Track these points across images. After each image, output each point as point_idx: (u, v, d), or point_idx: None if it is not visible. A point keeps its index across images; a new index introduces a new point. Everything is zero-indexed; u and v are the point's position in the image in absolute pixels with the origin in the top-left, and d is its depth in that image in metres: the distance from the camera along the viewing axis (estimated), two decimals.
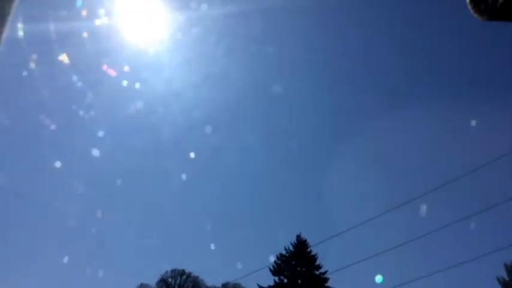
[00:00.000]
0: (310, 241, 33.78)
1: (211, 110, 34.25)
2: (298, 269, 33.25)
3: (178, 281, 42.51)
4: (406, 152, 42.57)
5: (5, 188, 39.71)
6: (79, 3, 12.72)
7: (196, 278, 42.71)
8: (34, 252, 40.74)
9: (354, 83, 39.57)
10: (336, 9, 27.18)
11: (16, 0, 1.44)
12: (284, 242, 34.32)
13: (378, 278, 31.35)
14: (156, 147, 43.05)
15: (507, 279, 30.65)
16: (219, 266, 46.46)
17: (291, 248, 33.94)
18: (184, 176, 44.85)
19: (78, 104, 32.14)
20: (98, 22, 16.09)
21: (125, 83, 24.28)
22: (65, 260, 39.20)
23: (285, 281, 33.14)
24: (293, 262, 33.48)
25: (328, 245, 31.49)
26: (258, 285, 33.67)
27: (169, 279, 42.54)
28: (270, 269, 33.30)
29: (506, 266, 30.98)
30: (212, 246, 40.23)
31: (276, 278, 33.32)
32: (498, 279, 31.01)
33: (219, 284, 42.91)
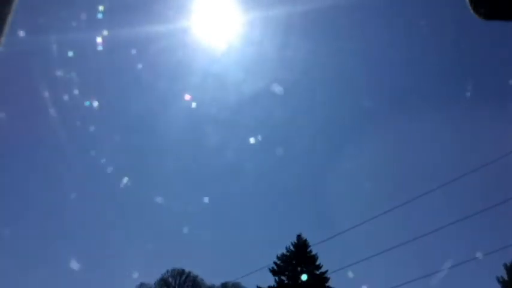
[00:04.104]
0: (311, 241, 33.83)
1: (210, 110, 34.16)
2: (299, 269, 33.25)
3: (178, 281, 42.48)
4: (406, 152, 42.58)
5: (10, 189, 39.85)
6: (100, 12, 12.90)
7: (196, 277, 42.70)
8: (32, 251, 40.73)
9: (356, 82, 39.52)
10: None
11: (16, 0, 1.44)
12: (284, 242, 34.38)
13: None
14: (166, 147, 43.24)
15: (506, 279, 30.71)
16: (219, 266, 46.39)
17: (292, 247, 33.95)
18: (183, 175, 45.00)
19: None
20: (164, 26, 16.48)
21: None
22: (65, 259, 39.28)
23: (285, 281, 33.14)
24: (293, 262, 33.48)
25: (328, 245, 31.50)
26: (257, 286, 33.68)
27: (169, 279, 42.52)
28: (270, 269, 33.30)
29: (505, 266, 31.05)
30: (212, 246, 40.34)
31: (276, 278, 33.32)
32: (498, 279, 31.07)
33: (218, 284, 42.94)
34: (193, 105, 28.89)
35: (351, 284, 34.49)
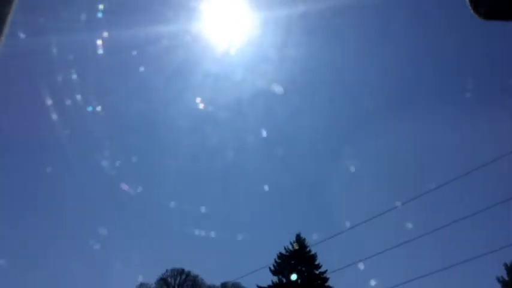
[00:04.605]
0: (310, 240, 33.84)
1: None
2: (298, 268, 33.26)
3: (177, 281, 42.51)
4: (407, 152, 42.57)
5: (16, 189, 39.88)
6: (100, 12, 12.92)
7: (196, 277, 42.71)
8: (33, 251, 40.75)
9: (358, 82, 39.52)
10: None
11: (16, 0, 1.44)
12: (284, 241, 34.40)
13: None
14: (166, 147, 43.30)
15: (507, 278, 30.71)
16: (219, 266, 46.40)
17: (291, 247, 33.98)
18: (184, 175, 44.96)
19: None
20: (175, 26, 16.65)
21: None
22: (65, 259, 39.31)
23: (284, 280, 33.16)
24: (292, 262, 33.50)
25: (328, 244, 31.49)
26: (257, 285, 33.70)
27: (169, 279, 42.55)
28: (269, 268, 33.32)
29: (506, 265, 31.04)
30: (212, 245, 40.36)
31: (276, 278, 33.34)
32: (498, 279, 31.07)
33: (218, 283, 42.92)
34: (196, 105, 28.98)
35: (351, 283, 34.46)
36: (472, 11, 1.54)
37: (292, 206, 48.21)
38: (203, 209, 44.79)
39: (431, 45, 36.19)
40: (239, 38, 21.60)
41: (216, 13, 17.42)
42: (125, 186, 32.80)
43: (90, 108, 18.36)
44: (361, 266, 27.06)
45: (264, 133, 35.92)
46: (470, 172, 23.64)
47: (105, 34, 13.55)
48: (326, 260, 33.43)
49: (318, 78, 37.94)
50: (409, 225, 32.01)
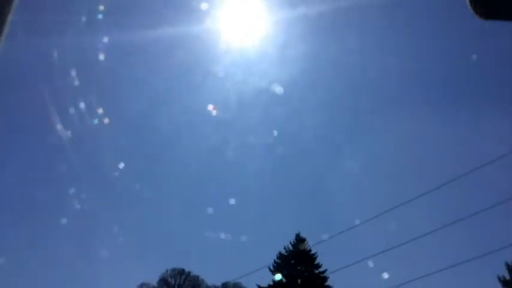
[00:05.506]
0: (312, 240, 33.82)
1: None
2: (298, 268, 33.25)
3: (177, 281, 42.57)
4: (407, 152, 42.54)
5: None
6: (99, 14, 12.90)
7: (196, 277, 42.74)
8: (34, 251, 40.79)
9: (360, 82, 39.43)
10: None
11: (16, 0, 1.44)
12: (286, 241, 34.41)
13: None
14: (167, 148, 43.34)
15: (508, 278, 30.63)
16: (220, 266, 46.40)
17: (290, 247, 33.96)
18: (184, 175, 44.99)
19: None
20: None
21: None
22: (67, 259, 39.34)
23: (284, 280, 33.14)
24: (292, 261, 33.48)
25: (328, 244, 31.52)
26: (257, 285, 33.67)
27: (170, 279, 42.61)
28: (269, 268, 33.30)
29: (507, 264, 30.96)
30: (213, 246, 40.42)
31: (276, 277, 33.30)
32: (499, 278, 30.98)
33: (219, 283, 42.95)
34: (199, 106, 29.06)
35: (352, 282, 34.49)
36: (472, 11, 1.54)
37: (294, 206, 48.23)
38: (204, 209, 44.89)
39: (431, 45, 36.18)
40: (251, 37, 21.61)
41: (221, 14, 17.46)
42: (127, 187, 32.80)
43: (92, 108, 18.40)
44: (361, 265, 27.10)
45: (264, 133, 35.93)
46: (470, 172, 23.64)
47: (108, 35, 13.58)
48: (326, 259, 33.49)
49: (323, 78, 37.88)
50: (409, 225, 32.04)
